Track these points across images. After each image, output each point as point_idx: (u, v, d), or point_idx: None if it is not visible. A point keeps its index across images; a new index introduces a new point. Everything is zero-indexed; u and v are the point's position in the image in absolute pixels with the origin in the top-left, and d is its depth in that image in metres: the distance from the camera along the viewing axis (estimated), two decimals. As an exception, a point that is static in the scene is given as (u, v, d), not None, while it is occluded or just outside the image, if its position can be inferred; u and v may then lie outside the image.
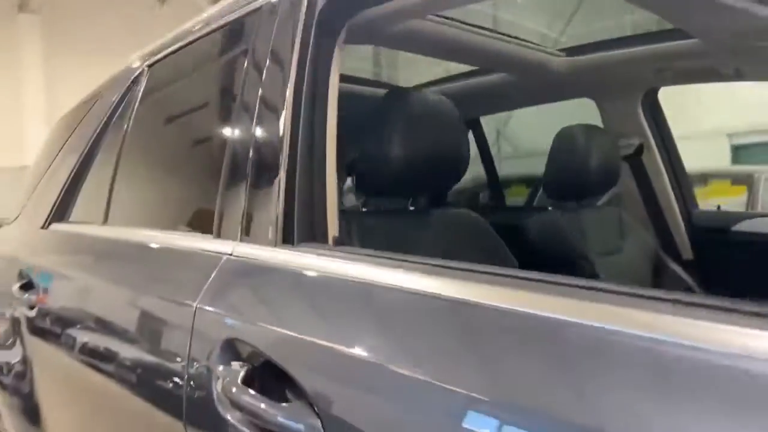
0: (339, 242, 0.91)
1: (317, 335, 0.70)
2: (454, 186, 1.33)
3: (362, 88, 2.10)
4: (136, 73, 1.53)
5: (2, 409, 1.73)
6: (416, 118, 1.17)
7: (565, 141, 1.71)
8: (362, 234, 1.13)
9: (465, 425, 0.52)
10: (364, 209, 1.25)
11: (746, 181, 5.41)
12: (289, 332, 0.72)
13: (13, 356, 1.61)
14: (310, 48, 0.97)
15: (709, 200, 5.66)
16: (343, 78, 1.05)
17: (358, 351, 0.65)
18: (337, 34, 1.02)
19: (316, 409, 0.64)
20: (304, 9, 0.99)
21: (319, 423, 0.64)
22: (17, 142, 12.11)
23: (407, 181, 1.19)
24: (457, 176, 1.27)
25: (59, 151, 1.85)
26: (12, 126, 12.28)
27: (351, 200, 1.40)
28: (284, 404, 0.68)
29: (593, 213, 1.80)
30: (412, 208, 1.32)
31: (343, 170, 1.39)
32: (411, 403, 0.57)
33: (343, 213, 1.19)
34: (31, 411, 1.48)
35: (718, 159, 8.54)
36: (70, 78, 12.76)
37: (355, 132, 1.18)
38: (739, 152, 9.28)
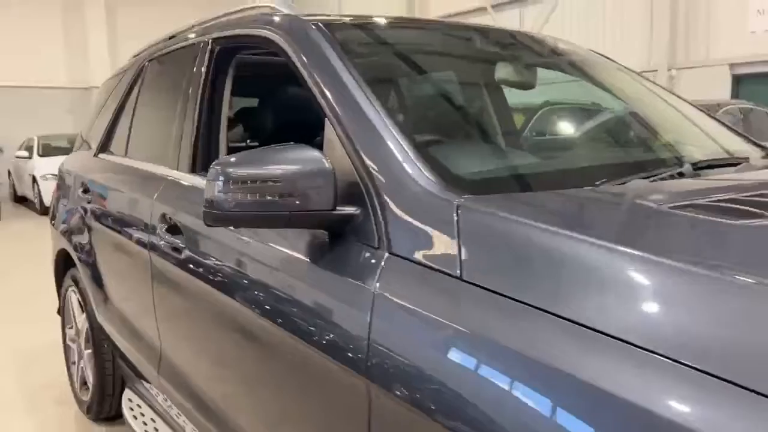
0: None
1: (188, 216, 1.72)
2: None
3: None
4: (143, 64, 2.53)
5: (81, 273, 2.84)
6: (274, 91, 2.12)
7: None
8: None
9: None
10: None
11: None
12: (180, 212, 1.75)
13: (84, 238, 2.72)
14: (211, 70, 1.93)
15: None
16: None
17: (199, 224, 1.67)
18: (230, 63, 1.96)
19: (185, 236, 1.68)
20: (208, 50, 1.94)
21: (183, 239, 1.67)
22: (83, 68, 13.57)
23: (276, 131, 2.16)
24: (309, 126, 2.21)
25: (103, 106, 2.90)
26: (78, 55, 13.68)
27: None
28: (177, 236, 1.72)
29: None
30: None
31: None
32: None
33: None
34: (95, 272, 2.59)
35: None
36: (128, 11, 13.90)
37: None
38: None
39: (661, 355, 0.70)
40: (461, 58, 1.78)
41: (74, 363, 2.98)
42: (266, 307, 1.33)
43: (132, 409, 2.37)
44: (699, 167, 1.36)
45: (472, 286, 0.94)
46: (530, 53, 1.88)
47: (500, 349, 0.85)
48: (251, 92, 2.28)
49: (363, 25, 1.66)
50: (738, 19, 8.85)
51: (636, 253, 0.84)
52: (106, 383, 2.63)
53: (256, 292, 1.39)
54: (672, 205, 1.03)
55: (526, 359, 0.81)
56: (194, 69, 1.99)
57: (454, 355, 0.90)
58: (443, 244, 1.01)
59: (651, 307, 0.79)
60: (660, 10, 9.64)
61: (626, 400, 0.70)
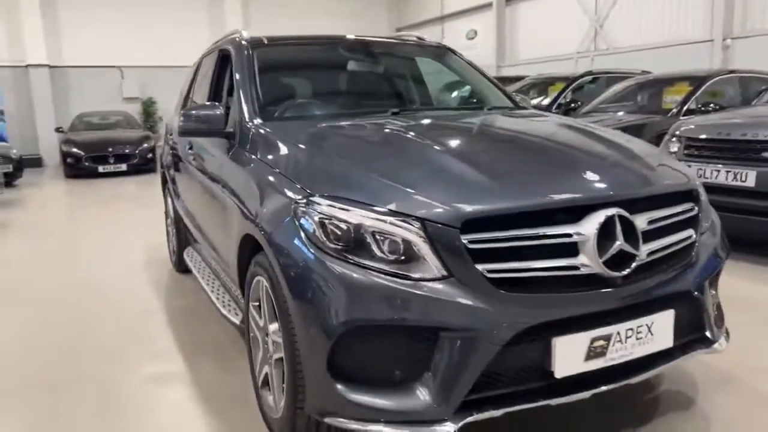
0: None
1: (195, 140, 3.47)
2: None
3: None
4: (201, 59, 4.34)
5: (169, 183, 4.75)
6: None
7: None
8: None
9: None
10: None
11: (695, 83, 6.62)
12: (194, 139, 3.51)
13: (170, 162, 4.61)
14: (218, 65, 3.64)
15: (668, 97, 7.02)
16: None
17: (198, 142, 3.42)
18: (228, 62, 3.65)
19: (194, 149, 3.44)
20: (217, 54, 3.66)
21: (194, 151, 3.44)
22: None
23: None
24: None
25: (185, 82, 4.79)
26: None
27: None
28: (193, 151, 3.48)
29: None
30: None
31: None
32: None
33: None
34: (174, 180, 4.46)
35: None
36: (259, 8, 16.48)
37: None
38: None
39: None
40: (317, 60, 3.35)
41: (169, 241, 4.96)
42: (210, 171, 3.05)
43: (189, 259, 4.23)
44: (400, 111, 2.84)
45: (251, 154, 2.56)
46: (372, 52, 3.40)
47: (251, 173, 2.47)
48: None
49: (273, 43, 3.27)
50: (795, -11, 8.93)
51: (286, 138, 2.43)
52: (181, 247, 4.54)
53: (208, 167, 3.11)
54: (331, 125, 2.59)
55: (262, 179, 2.42)
56: (213, 64, 3.73)
57: (243, 174, 2.54)
58: (247, 140, 2.64)
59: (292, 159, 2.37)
60: (720, -18, 9.85)
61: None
